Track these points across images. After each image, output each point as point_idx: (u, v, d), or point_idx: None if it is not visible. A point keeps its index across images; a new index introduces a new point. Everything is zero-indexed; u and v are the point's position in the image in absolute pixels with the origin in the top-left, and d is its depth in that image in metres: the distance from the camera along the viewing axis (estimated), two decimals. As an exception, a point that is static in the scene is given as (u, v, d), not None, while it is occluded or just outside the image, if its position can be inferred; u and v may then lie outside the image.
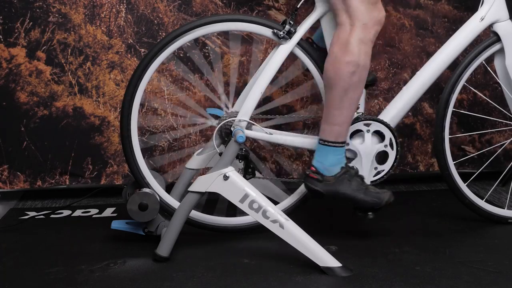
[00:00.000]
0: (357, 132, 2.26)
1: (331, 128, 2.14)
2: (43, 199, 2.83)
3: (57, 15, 2.69)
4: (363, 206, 2.17)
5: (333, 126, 2.13)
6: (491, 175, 2.77)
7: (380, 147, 2.27)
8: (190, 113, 2.72)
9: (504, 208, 2.45)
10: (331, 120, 2.13)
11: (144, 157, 2.28)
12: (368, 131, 2.26)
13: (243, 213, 2.19)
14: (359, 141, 2.26)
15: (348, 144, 2.24)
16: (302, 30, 2.22)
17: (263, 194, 2.11)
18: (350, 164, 2.25)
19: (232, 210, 2.30)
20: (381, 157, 2.29)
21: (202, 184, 2.11)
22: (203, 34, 2.24)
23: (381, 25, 2.12)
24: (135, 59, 2.73)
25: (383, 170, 2.29)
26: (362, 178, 2.20)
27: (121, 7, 2.72)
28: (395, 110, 2.30)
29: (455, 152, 2.85)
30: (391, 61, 2.87)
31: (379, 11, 2.11)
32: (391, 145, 2.28)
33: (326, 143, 2.15)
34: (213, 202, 2.38)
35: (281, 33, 2.20)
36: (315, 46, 2.28)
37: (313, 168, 2.17)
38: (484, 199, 2.44)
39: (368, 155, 2.26)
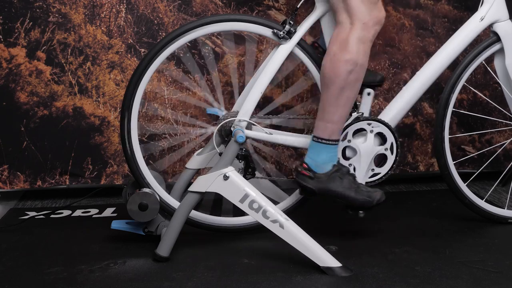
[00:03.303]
0: (360, 130, 2.26)
1: (325, 125, 2.14)
2: (43, 199, 2.83)
3: (57, 15, 2.69)
4: (354, 205, 2.17)
5: (328, 124, 2.13)
6: (491, 175, 2.77)
7: (380, 149, 2.27)
8: (190, 114, 2.73)
9: (504, 208, 2.45)
10: (326, 117, 2.13)
11: (144, 157, 2.28)
12: (371, 131, 2.26)
13: (243, 213, 2.19)
14: (361, 140, 2.26)
15: (349, 141, 2.25)
16: (302, 30, 2.22)
17: (263, 194, 2.11)
18: (349, 162, 2.25)
19: (232, 210, 2.30)
20: (380, 160, 2.29)
21: (202, 184, 2.11)
22: (203, 34, 2.24)
23: (381, 25, 2.12)
24: (135, 59, 2.73)
25: (380, 173, 2.28)
26: (353, 176, 2.20)
27: (121, 7, 2.72)
28: (395, 110, 2.30)
29: (455, 152, 2.85)
30: (391, 61, 2.87)
31: (379, 11, 2.11)
32: (391, 149, 2.28)
33: (319, 140, 2.15)
34: (212, 202, 2.39)
35: (281, 33, 2.20)
36: (321, 50, 2.27)
37: (305, 165, 2.17)
38: (484, 199, 2.44)
39: (368, 155, 2.25)
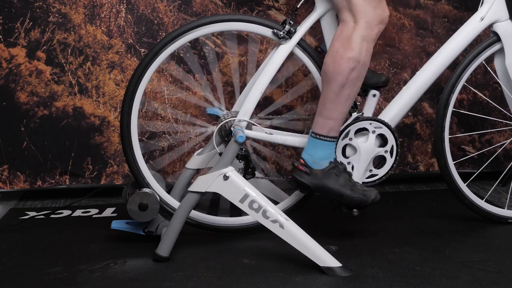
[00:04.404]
0: (362, 130, 2.26)
1: (324, 122, 2.14)
2: (43, 199, 2.83)
3: (57, 15, 2.69)
4: (349, 202, 2.17)
5: (327, 120, 2.13)
6: (491, 175, 2.77)
7: (380, 151, 2.27)
8: (190, 114, 2.73)
9: (504, 208, 2.45)
10: (326, 114, 2.13)
11: (144, 157, 2.28)
12: (373, 132, 2.26)
13: (243, 213, 2.19)
14: (362, 139, 2.26)
15: (351, 139, 2.25)
16: (302, 30, 2.22)
17: (263, 194, 2.11)
18: (348, 160, 2.25)
19: (232, 210, 2.30)
20: (379, 162, 2.29)
21: (202, 184, 2.11)
22: (203, 34, 2.24)
23: (385, 24, 2.12)
24: (135, 59, 2.73)
25: (377, 175, 2.28)
26: (350, 174, 2.20)
27: (121, 7, 2.72)
28: (395, 110, 2.30)
29: (455, 152, 2.85)
30: (391, 61, 2.87)
31: (383, 10, 2.11)
32: (391, 152, 2.28)
33: (318, 136, 2.15)
34: (212, 202, 2.39)
35: (281, 33, 2.20)
36: (324, 54, 2.27)
37: (302, 161, 2.17)
38: (484, 199, 2.44)
39: (368, 155, 2.25)
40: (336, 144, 2.20)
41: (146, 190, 2.21)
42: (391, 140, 2.27)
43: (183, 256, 2.15)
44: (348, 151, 2.26)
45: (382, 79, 2.29)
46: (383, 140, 2.28)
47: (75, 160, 2.76)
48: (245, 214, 2.17)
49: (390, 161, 2.28)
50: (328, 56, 2.12)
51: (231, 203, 2.12)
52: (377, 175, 2.28)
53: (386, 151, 2.27)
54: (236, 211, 2.26)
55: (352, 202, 2.16)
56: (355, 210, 2.18)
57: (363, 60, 2.10)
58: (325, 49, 2.27)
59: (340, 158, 2.25)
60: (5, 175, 2.73)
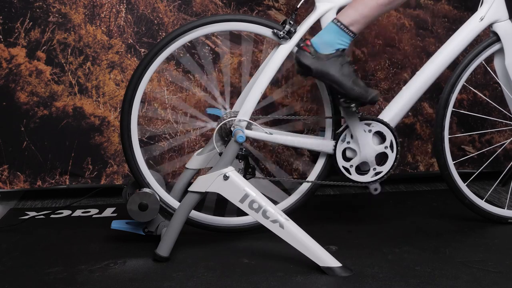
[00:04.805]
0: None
1: (350, 12, 2.14)
2: (43, 199, 2.83)
3: (57, 15, 2.69)
4: (348, 95, 2.13)
5: (354, 11, 2.13)
6: (491, 175, 2.77)
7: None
8: (190, 114, 2.72)
9: (504, 208, 2.45)
10: (356, 4, 2.14)
11: (144, 157, 2.28)
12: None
13: (243, 213, 2.19)
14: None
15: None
16: (302, 30, 2.22)
17: (263, 194, 2.11)
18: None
19: (232, 210, 2.30)
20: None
21: (202, 184, 2.11)
22: (203, 34, 2.24)
23: None
24: (135, 59, 2.73)
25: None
26: (355, 70, 2.19)
27: (121, 7, 2.72)
28: (395, 110, 2.30)
29: (455, 152, 2.85)
30: (391, 61, 2.87)
31: None
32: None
33: (338, 23, 2.14)
34: (211, 202, 2.39)
35: (281, 33, 2.20)
36: None
37: (308, 42, 2.16)
38: (484, 199, 2.44)
39: (369, 155, 2.26)
40: (351, 40, 2.18)
41: (146, 190, 2.21)
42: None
43: (183, 256, 2.15)
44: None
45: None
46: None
47: (75, 160, 2.76)
48: (245, 214, 2.17)
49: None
50: None
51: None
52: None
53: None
54: (236, 211, 2.27)
55: (351, 94, 2.13)
56: (353, 105, 2.16)
57: None
58: None
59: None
60: (5, 175, 2.73)
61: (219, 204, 2.36)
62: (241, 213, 2.30)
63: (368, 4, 2.14)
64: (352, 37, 2.15)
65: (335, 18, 2.16)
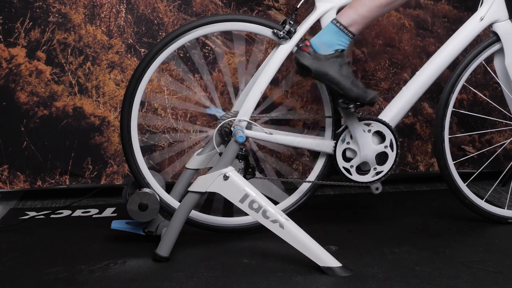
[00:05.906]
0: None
1: (350, 12, 2.14)
2: (43, 199, 2.83)
3: (57, 15, 2.69)
4: (347, 95, 2.14)
5: (353, 12, 2.14)
6: (491, 175, 2.77)
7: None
8: (190, 113, 2.73)
9: (504, 208, 2.45)
10: (356, 5, 2.15)
11: (144, 157, 2.28)
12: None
13: (243, 213, 2.19)
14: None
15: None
16: (302, 30, 2.22)
17: (263, 194, 2.11)
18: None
19: (231, 210, 2.30)
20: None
21: (202, 184, 2.11)
22: (203, 34, 2.24)
23: None
24: (135, 59, 2.73)
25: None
26: (353, 69, 2.19)
27: (121, 7, 2.72)
28: (395, 110, 2.30)
29: (455, 152, 2.85)
30: (391, 61, 2.87)
31: None
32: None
33: (337, 23, 2.15)
34: (210, 202, 2.39)
35: (281, 33, 2.20)
36: None
37: (308, 43, 2.17)
38: (484, 199, 2.44)
39: (369, 155, 2.26)
40: (349, 41, 2.18)
41: (146, 190, 2.21)
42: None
43: (183, 256, 2.15)
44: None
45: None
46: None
47: (75, 160, 2.76)
48: (245, 214, 2.17)
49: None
50: None
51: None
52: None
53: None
54: (231, 211, 2.27)
55: (350, 95, 2.14)
56: (351, 105, 2.16)
57: None
58: None
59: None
60: (5, 175, 2.73)
61: (221, 204, 2.37)
62: (232, 213, 2.31)
63: (368, 5, 2.14)
64: (351, 38, 2.15)
65: (334, 19, 2.16)
